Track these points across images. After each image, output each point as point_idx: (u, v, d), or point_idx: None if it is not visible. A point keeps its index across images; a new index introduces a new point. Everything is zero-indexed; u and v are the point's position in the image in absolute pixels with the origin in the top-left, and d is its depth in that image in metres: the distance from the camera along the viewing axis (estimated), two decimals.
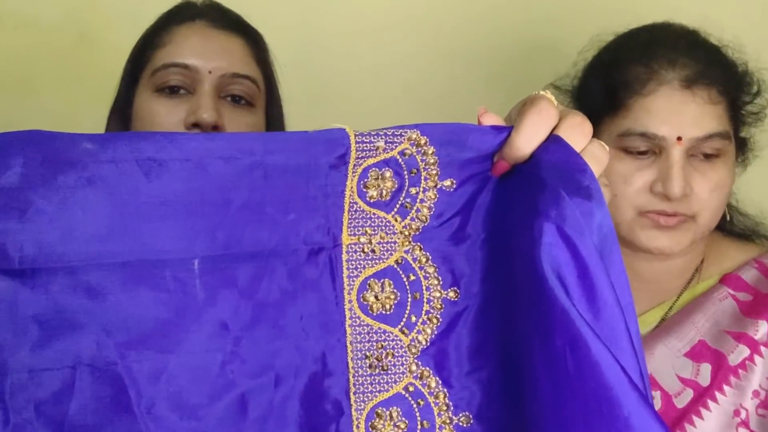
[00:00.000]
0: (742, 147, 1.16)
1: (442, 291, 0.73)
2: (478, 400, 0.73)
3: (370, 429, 0.71)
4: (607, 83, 1.13)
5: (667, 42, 1.11)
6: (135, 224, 0.66)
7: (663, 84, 1.08)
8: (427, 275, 0.73)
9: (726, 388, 1.07)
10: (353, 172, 0.70)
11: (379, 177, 0.71)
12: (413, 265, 0.73)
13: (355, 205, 0.71)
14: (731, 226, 1.19)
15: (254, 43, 1.23)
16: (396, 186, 0.72)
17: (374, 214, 0.72)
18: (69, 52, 1.57)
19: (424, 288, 0.73)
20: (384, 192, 0.72)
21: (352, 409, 0.71)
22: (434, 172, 0.72)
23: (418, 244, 0.73)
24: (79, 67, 1.58)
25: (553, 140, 0.68)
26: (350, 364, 0.71)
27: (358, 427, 0.71)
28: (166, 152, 0.66)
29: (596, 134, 1.07)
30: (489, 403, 0.73)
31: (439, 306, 0.73)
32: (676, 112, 1.07)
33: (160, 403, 0.66)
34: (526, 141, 0.68)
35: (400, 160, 0.71)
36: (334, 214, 0.71)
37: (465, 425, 0.73)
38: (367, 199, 0.72)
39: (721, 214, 1.13)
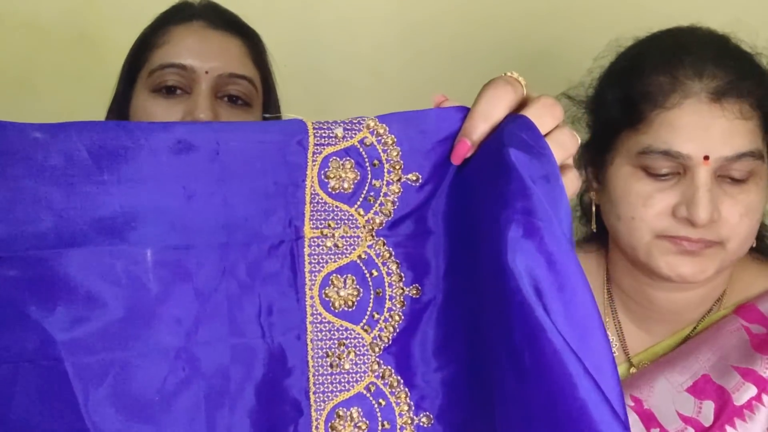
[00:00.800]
0: None
1: (405, 288, 0.71)
2: (440, 399, 0.71)
3: (330, 430, 0.69)
4: (626, 94, 1.02)
5: (693, 49, 1.00)
6: (85, 215, 0.64)
7: (689, 96, 0.97)
8: (390, 272, 0.71)
9: (729, 429, 0.98)
10: (313, 161, 0.69)
11: (340, 167, 0.69)
12: (376, 260, 0.71)
13: (317, 197, 0.70)
14: (760, 246, 1.08)
15: (252, 44, 1.23)
16: (358, 178, 0.70)
17: (337, 206, 0.70)
18: (69, 51, 1.57)
19: (386, 284, 0.71)
20: (346, 184, 0.70)
21: (312, 410, 0.69)
22: (398, 165, 0.70)
23: (381, 239, 0.71)
24: (79, 67, 1.58)
25: (518, 120, 0.66)
26: (310, 363, 0.69)
27: (317, 428, 0.69)
28: (118, 141, 0.64)
29: (613, 149, 1.05)
30: (451, 403, 0.71)
31: (401, 303, 0.71)
32: (703, 128, 0.96)
33: (107, 403, 0.64)
34: (484, 114, 0.67)
35: (360, 149, 0.70)
36: (295, 206, 0.69)
37: (426, 425, 0.71)
38: (329, 190, 0.70)
39: (753, 239, 1.02)
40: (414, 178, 0.71)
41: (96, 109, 1.27)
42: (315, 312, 0.70)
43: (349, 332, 0.70)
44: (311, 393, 0.69)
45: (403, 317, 0.71)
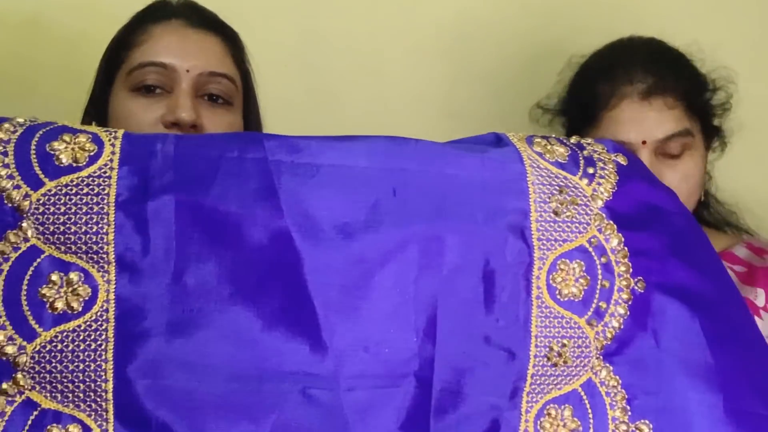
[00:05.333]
0: (717, 135, 1.34)
1: (631, 279, 0.69)
2: (663, 404, 0.68)
3: (539, 428, 0.66)
4: (581, 101, 1.30)
5: (624, 61, 1.28)
6: None
7: (624, 98, 1.24)
8: (618, 261, 0.69)
9: None
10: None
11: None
12: (604, 246, 0.70)
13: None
14: (708, 215, 1.36)
15: (231, 42, 1.22)
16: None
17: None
18: (69, 51, 1.57)
19: (615, 274, 0.68)
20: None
21: (523, 402, 0.66)
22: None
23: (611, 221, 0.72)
24: (80, 66, 1.57)
25: None
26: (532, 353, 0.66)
27: (527, 421, 0.66)
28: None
29: None
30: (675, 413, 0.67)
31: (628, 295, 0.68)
32: (638, 121, 1.23)
33: None
34: None
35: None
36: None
37: None
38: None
39: (696, 199, 1.28)
40: None
41: None
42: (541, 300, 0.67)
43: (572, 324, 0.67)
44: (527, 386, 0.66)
45: (629, 312, 0.68)
